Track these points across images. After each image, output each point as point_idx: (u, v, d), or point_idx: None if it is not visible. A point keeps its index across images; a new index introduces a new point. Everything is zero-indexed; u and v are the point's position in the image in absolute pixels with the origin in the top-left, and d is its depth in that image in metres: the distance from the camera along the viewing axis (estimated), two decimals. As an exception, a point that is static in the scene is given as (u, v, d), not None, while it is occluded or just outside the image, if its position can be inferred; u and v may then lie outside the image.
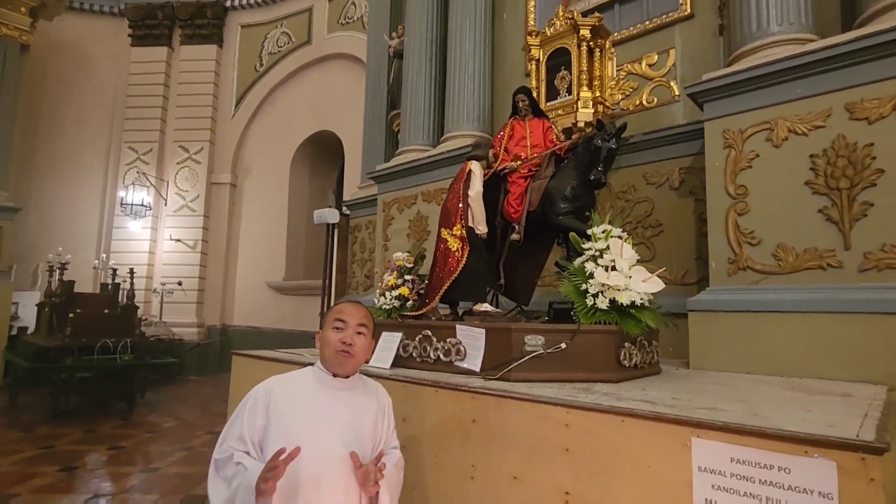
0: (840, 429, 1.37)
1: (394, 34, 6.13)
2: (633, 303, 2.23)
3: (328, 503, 1.46)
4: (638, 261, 2.37)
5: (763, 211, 2.82)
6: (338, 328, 1.60)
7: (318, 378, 1.63)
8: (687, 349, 2.95)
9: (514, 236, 2.96)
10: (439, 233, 2.84)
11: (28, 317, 9.16)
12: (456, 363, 2.41)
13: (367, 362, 2.65)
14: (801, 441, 1.29)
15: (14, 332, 9.13)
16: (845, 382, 2.35)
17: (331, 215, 6.33)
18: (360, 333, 1.61)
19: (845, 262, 2.56)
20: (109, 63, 11.67)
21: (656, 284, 2.30)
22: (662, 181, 3.70)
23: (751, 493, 1.35)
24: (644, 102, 3.99)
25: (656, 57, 3.98)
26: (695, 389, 2.08)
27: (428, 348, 2.54)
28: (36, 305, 8.28)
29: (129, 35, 11.60)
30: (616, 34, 4.11)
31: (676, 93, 3.84)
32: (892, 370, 2.32)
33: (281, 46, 11.13)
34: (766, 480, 1.33)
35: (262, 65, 11.37)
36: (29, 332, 8.57)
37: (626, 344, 2.29)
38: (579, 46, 3.75)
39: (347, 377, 1.64)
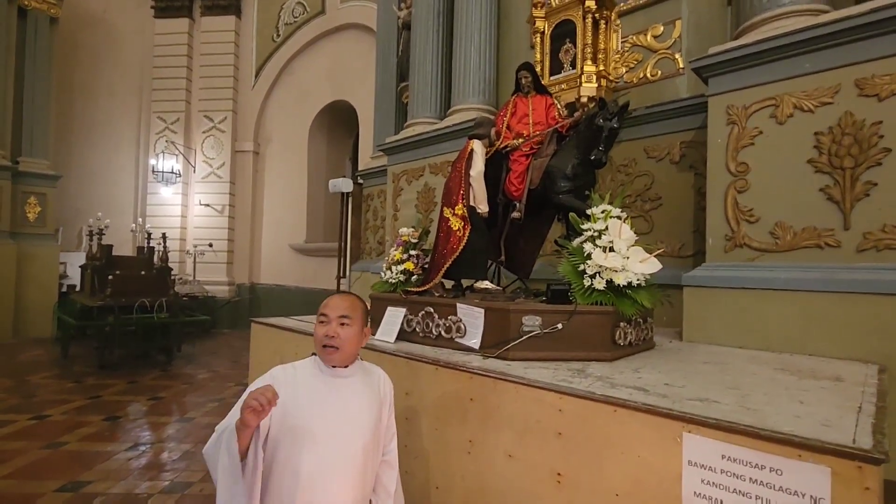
0: (835, 428, 1.25)
1: (402, 4, 5.75)
2: (629, 283, 2.10)
3: (330, 495, 1.40)
4: (636, 233, 2.21)
5: (763, 189, 2.62)
6: (322, 322, 1.50)
7: (319, 368, 1.53)
8: (681, 318, 2.83)
9: (515, 214, 2.80)
10: (441, 211, 2.69)
11: (76, 275, 9.29)
12: (456, 340, 2.32)
13: (373, 336, 2.58)
14: (796, 445, 1.18)
15: (64, 289, 9.31)
16: (836, 361, 2.22)
17: (344, 185, 6.17)
18: (343, 325, 1.48)
19: (844, 241, 2.37)
20: (135, 35, 11.33)
21: (653, 265, 2.15)
22: (663, 155, 3.48)
23: (740, 491, 1.25)
24: (648, 75, 3.70)
25: (662, 28, 3.65)
26: (687, 371, 1.97)
27: (430, 324, 2.45)
28: (80, 267, 8.36)
29: (152, 6, 11.20)
30: (622, 4, 3.78)
31: (681, 65, 3.54)
32: (884, 349, 2.18)
33: (296, 17, 10.64)
34: (756, 480, 1.23)
35: (279, 35, 10.92)
36: (77, 290, 8.70)
37: (622, 323, 2.18)
38: (584, 18, 3.47)
39: (346, 366, 1.55)
